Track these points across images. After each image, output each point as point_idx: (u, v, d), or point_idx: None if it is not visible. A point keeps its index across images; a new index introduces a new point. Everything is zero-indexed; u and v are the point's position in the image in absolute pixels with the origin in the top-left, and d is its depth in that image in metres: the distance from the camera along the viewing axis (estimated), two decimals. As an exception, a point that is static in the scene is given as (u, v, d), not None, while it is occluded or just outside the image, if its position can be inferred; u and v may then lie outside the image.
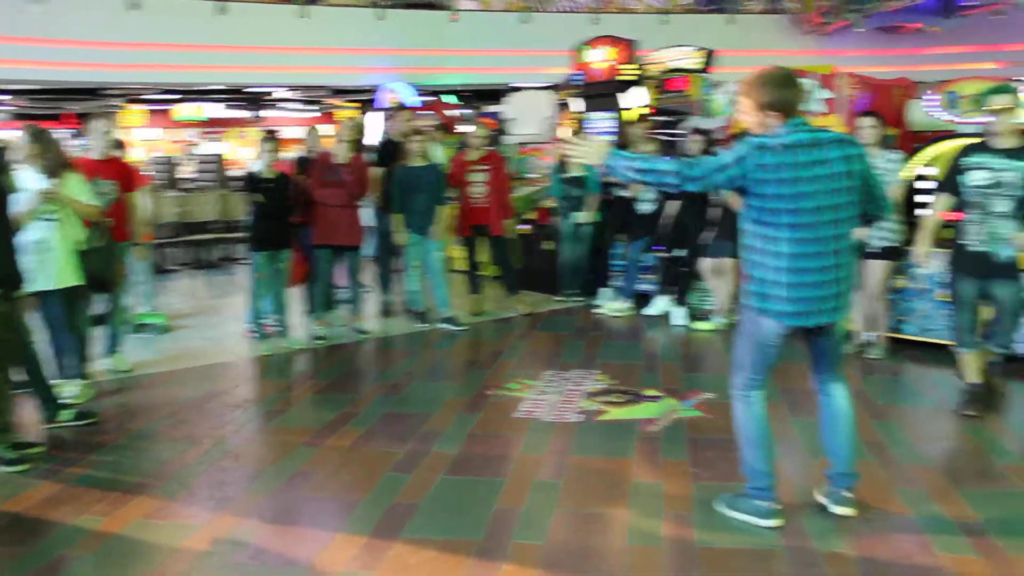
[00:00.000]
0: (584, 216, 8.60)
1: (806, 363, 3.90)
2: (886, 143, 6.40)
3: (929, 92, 7.07)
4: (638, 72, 9.68)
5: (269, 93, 20.22)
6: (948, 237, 5.50)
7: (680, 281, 7.91)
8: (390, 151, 8.04)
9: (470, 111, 17.49)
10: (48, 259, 5.40)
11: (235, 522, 3.94)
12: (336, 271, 7.54)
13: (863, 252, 6.15)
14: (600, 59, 9.99)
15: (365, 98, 19.24)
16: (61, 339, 5.65)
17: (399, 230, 7.69)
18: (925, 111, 7.00)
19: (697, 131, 7.91)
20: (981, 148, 5.10)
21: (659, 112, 9.58)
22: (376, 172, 7.77)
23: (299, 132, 8.26)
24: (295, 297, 7.51)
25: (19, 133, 5.51)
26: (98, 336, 6.53)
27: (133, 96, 20.14)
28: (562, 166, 8.72)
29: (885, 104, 7.12)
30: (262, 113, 22.47)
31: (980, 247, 5.07)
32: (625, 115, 9.44)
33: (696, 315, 7.83)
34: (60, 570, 3.56)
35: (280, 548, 3.70)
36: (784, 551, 3.56)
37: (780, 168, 3.43)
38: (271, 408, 5.80)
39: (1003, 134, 4.99)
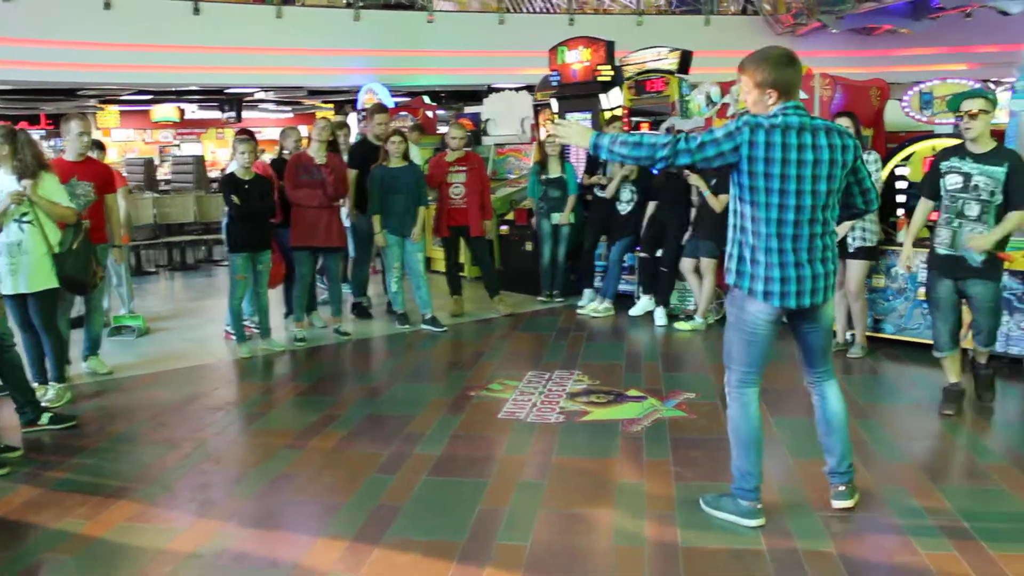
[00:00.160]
0: (562, 217, 8.63)
1: (785, 362, 3.93)
2: (862, 143, 6.46)
3: (908, 93, 7.13)
4: (614, 73, 9.70)
5: (247, 94, 20.09)
6: (924, 237, 5.57)
7: (661, 281, 7.95)
8: (364, 153, 8.04)
9: (448, 112, 17.49)
10: (23, 262, 5.36)
11: (217, 525, 3.93)
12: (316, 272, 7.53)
13: (842, 252, 6.20)
14: (576, 60, 10.01)
15: (342, 99, 19.19)
16: (39, 342, 5.61)
17: (378, 231, 7.68)
18: (903, 111, 7.06)
19: (672, 131, 7.95)
20: (957, 151, 5.15)
21: (636, 113, 9.61)
22: (350, 173, 7.75)
23: (276, 133, 8.21)
24: (275, 299, 7.48)
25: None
26: (76, 339, 6.50)
27: (109, 97, 19.97)
28: (540, 167, 8.74)
29: (860, 105, 7.18)
30: (240, 114, 22.32)
31: (950, 250, 5.13)
32: (603, 116, 9.46)
33: (677, 315, 7.88)
34: (41, 574, 3.54)
35: (263, 551, 3.69)
36: (767, 551, 3.58)
37: (770, 147, 3.47)
38: (252, 410, 5.78)
39: (976, 138, 5.04)
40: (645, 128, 9.11)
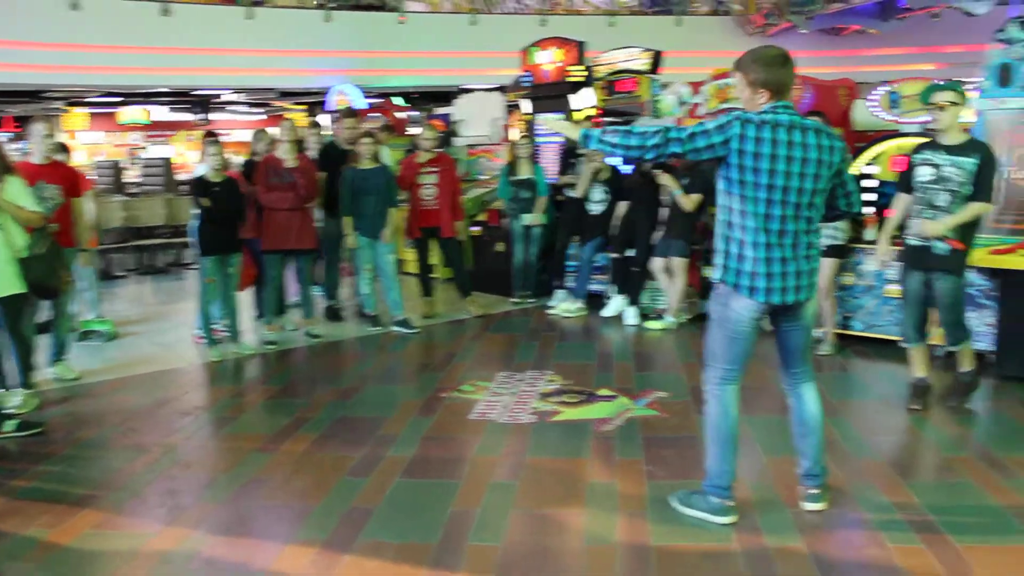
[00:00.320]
0: (532, 218, 8.64)
1: (757, 361, 3.94)
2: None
3: (875, 92, 7.21)
4: (586, 73, 9.73)
5: (216, 95, 19.96)
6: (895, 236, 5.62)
7: (631, 281, 7.98)
8: (333, 156, 8.00)
9: (419, 113, 17.46)
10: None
11: (187, 531, 3.89)
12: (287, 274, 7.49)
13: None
14: (548, 60, 10.03)
15: (313, 100, 19.09)
16: (4, 348, 5.53)
17: (350, 233, 7.65)
18: (870, 111, 7.14)
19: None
20: (930, 145, 5.23)
21: (608, 113, 9.64)
22: (319, 176, 7.71)
23: (247, 135, 8.17)
24: (245, 302, 7.43)
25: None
26: (43, 344, 6.42)
27: (76, 99, 19.76)
28: (510, 168, 8.74)
29: (828, 104, 7.25)
30: (210, 116, 22.18)
31: (919, 241, 5.21)
32: (575, 116, 9.48)
33: (648, 314, 7.90)
34: (7, 584, 3.50)
35: (234, 556, 3.66)
36: (738, 548, 3.60)
37: (760, 142, 3.50)
38: (222, 415, 5.73)
39: (947, 130, 5.12)
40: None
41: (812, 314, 3.87)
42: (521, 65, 10.43)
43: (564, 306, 8.37)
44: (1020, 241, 5.94)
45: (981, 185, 4.98)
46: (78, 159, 13.52)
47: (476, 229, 9.80)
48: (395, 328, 7.78)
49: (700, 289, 7.90)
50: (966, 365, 5.44)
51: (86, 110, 21.97)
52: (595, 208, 8.22)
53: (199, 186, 6.73)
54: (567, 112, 9.60)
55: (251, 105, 22.81)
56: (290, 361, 7.03)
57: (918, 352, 5.44)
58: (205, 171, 6.81)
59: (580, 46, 9.74)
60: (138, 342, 7.67)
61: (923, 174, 5.16)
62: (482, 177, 11.14)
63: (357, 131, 8.10)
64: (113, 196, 12.65)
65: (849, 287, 6.83)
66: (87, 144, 22.62)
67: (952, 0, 15.73)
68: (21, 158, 6.68)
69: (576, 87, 9.64)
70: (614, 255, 8.15)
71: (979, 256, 5.65)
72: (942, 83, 5.28)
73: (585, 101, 9.64)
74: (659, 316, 7.78)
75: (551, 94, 9.89)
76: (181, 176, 14.29)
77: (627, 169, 7.98)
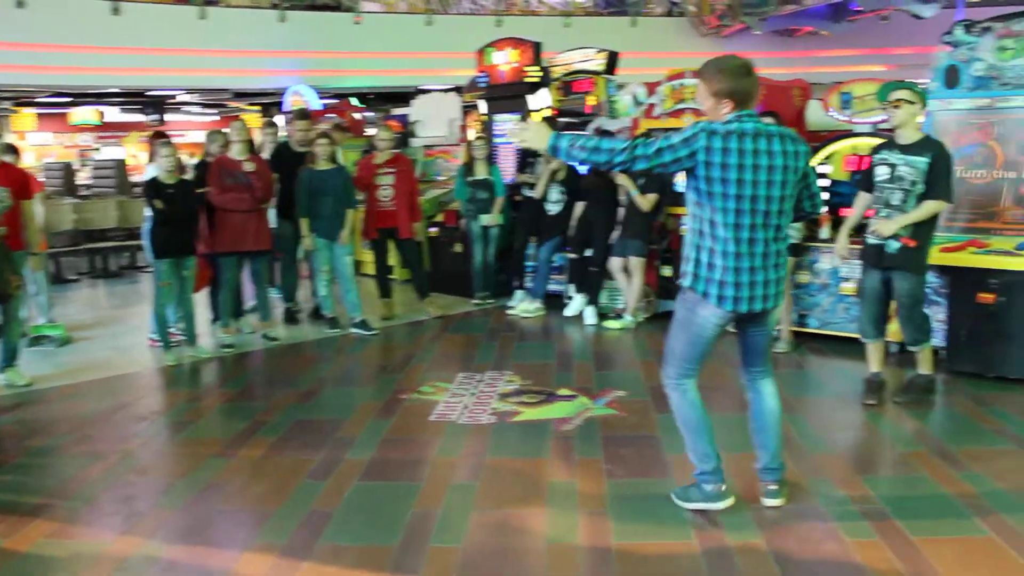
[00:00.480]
0: (490, 218, 8.64)
1: (714, 359, 3.99)
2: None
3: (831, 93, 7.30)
4: (542, 74, 9.75)
5: (170, 96, 19.70)
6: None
7: (590, 281, 8.01)
8: (286, 156, 7.94)
9: (376, 114, 17.37)
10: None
11: (144, 538, 3.84)
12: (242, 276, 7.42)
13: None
14: (504, 61, 10.04)
15: (268, 101, 18.93)
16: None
17: (307, 235, 7.60)
18: (831, 113, 7.21)
19: (600, 131, 8.02)
20: (887, 144, 5.34)
21: (564, 113, 9.67)
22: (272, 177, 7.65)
23: (202, 136, 8.08)
24: (201, 304, 7.34)
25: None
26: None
27: (24, 99, 19.39)
28: (467, 168, 8.73)
29: (782, 104, 7.32)
30: (165, 117, 21.89)
31: (876, 239, 5.30)
32: (532, 116, 9.49)
33: (607, 314, 7.94)
34: (-42, 595, 3.43)
35: (192, 562, 3.63)
36: (698, 545, 3.63)
37: (726, 154, 3.51)
38: (179, 419, 5.65)
39: (902, 129, 5.22)
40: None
41: (776, 319, 3.92)
42: (477, 66, 10.42)
43: (523, 306, 8.38)
44: (970, 239, 6.06)
45: (934, 183, 5.07)
46: (27, 161, 13.27)
47: (434, 230, 9.78)
48: (353, 330, 7.75)
49: (658, 288, 7.97)
50: (924, 368, 5.54)
51: (35, 110, 21.58)
52: (552, 208, 8.25)
53: (152, 188, 6.64)
54: (524, 112, 9.61)
55: (205, 106, 22.55)
56: (247, 364, 6.97)
57: (874, 348, 5.55)
58: (156, 172, 6.72)
59: (536, 47, 9.76)
60: (91, 347, 7.56)
61: (880, 173, 5.27)
62: (439, 178, 11.11)
63: (310, 133, 8.05)
64: (64, 198, 12.45)
65: (804, 285, 6.91)
66: (36, 145, 22.23)
67: (900, 3, 15.99)
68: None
69: (533, 88, 9.65)
70: (572, 255, 8.18)
71: (935, 253, 5.77)
72: (899, 82, 5.38)
73: (541, 102, 9.66)
74: (618, 316, 7.82)
75: (507, 94, 9.89)
76: (134, 178, 14.10)
77: (584, 169, 8.02)
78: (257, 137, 8.39)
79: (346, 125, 12.21)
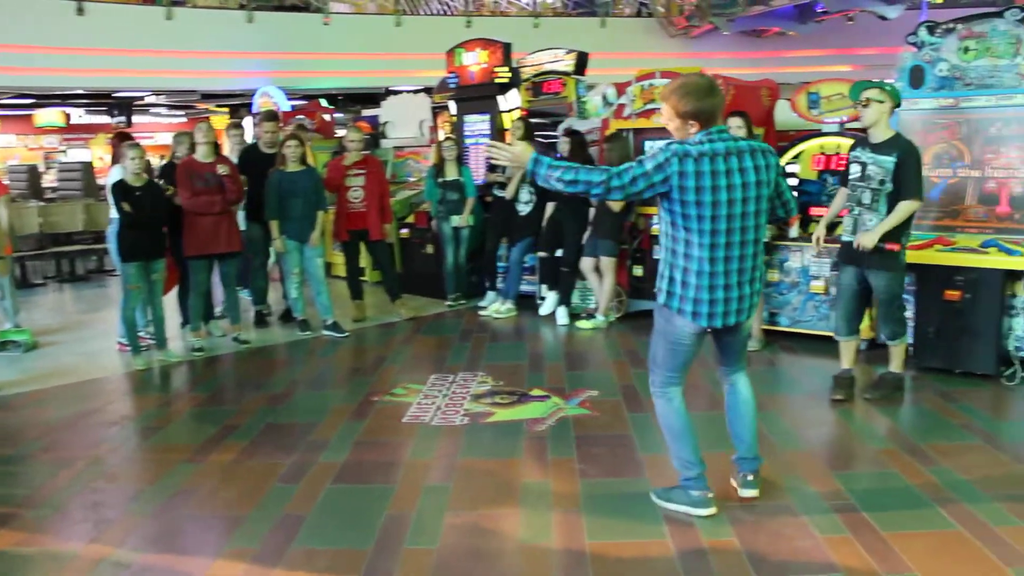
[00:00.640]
0: (461, 220, 8.62)
1: (695, 360, 4.00)
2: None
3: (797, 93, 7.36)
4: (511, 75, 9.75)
5: (137, 98, 19.48)
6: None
7: (562, 281, 8.02)
8: (254, 158, 7.89)
9: (346, 115, 17.30)
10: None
11: (114, 545, 3.79)
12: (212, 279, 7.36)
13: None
14: (474, 62, 10.02)
15: (237, 102, 18.79)
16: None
17: (277, 237, 7.55)
18: (809, 111, 7.26)
19: (569, 132, 8.03)
20: (861, 143, 5.43)
21: (534, 114, 9.67)
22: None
23: (170, 138, 8.00)
24: (170, 308, 7.27)
25: None
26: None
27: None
28: (437, 170, 8.71)
29: (751, 104, 7.37)
30: (132, 119, 21.66)
31: (851, 237, 5.38)
32: (503, 117, 9.49)
33: (579, 314, 7.96)
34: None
35: (163, 569, 3.59)
36: (671, 544, 3.65)
37: (699, 176, 3.51)
38: (148, 425, 5.60)
39: (872, 128, 5.28)
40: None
41: (751, 326, 3.96)
42: (447, 66, 10.40)
43: (495, 307, 8.38)
44: (936, 237, 6.14)
45: (903, 182, 5.14)
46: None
47: (405, 231, 9.76)
48: (325, 332, 7.71)
49: (629, 288, 8.00)
50: (895, 366, 5.60)
51: (-2, 112, 21.32)
52: (523, 209, 8.26)
53: (120, 190, 6.57)
54: (495, 112, 9.60)
55: (173, 108, 22.34)
56: (218, 368, 6.91)
57: (847, 345, 5.63)
58: (121, 174, 6.65)
59: (506, 47, 9.75)
60: (58, 352, 7.47)
61: (853, 171, 5.38)
62: (410, 179, 11.09)
63: (277, 134, 8.01)
64: (30, 201, 12.30)
65: (775, 284, 6.97)
66: (-1, 148, 21.97)
67: (865, 4, 16.15)
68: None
69: (502, 88, 9.65)
70: (542, 255, 8.18)
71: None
72: (869, 81, 5.45)
73: (511, 102, 9.66)
74: (589, 315, 7.84)
75: (477, 95, 9.88)
76: (102, 180, 13.94)
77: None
78: (224, 139, 8.32)
79: (316, 127, 12.17)
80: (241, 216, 7.69)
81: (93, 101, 20.46)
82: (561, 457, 4.67)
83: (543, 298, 8.33)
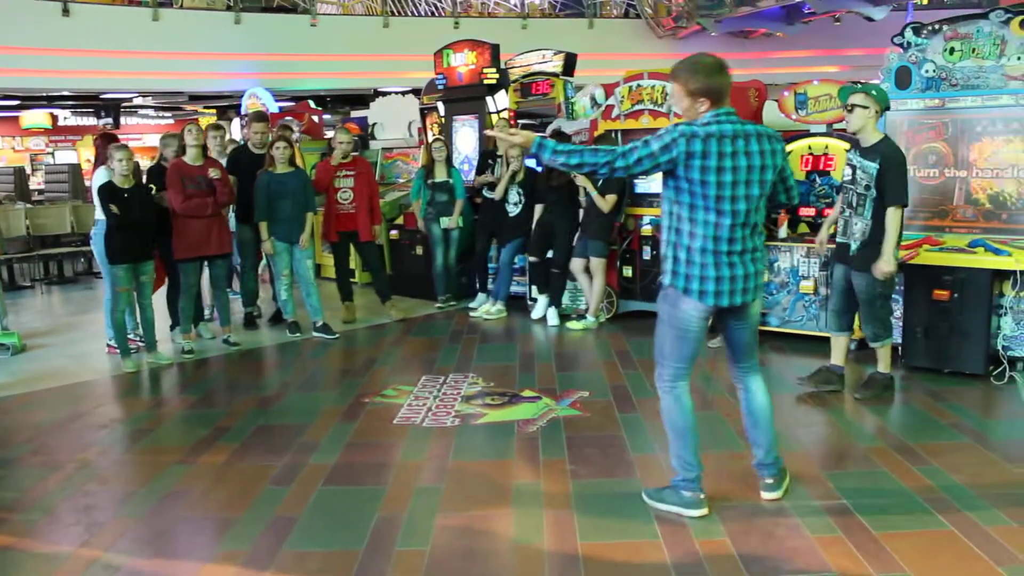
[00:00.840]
0: (450, 221, 8.63)
1: (700, 358, 4.00)
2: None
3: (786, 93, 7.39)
4: (500, 76, 9.76)
5: (124, 99, 19.40)
6: (804, 233, 5.81)
7: (552, 282, 8.03)
8: (244, 160, 7.88)
9: (334, 117, 17.27)
10: None
11: (105, 548, 3.78)
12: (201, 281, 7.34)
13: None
14: (462, 63, 10.03)
15: (225, 104, 18.74)
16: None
17: (266, 239, 7.54)
18: (796, 111, 7.28)
19: (556, 133, 8.05)
20: (856, 146, 5.49)
21: (522, 115, 9.68)
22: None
23: (157, 140, 7.97)
24: (160, 310, 7.25)
25: None
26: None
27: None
28: (426, 171, 8.71)
29: (739, 105, 7.37)
30: (119, 120, 21.58)
31: (841, 238, 5.47)
32: (491, 118, 9.50)
33: (569, 315, 7.97)
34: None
35: (155, 572, 3.58)
36: (664, 545, 3.66)
37: (707, 156, 3.53)
38: (139, 427, 5.57)
39: (859, 132, 5.33)
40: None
41: (758, 313, 3.97)
42: (435, 68, 10.41)
43: (485, 308, 8.38)
44: (924, 237, 6.18)
45: (886, 188, 5.17)
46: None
47: (395, 233, 9.76)
48: (315, 334, 7.70)
49: (619, 288, 8.01)
50: (881, 366, 5.64)
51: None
52: (513, 210, 8.26)
53: (107, 192, 6.54)
54: (483, 113, 9.61)
55: (161, 109, 22.27)
56: (208, 370, 6.89)
57: (837, 341, 5.72)
58: (106, 176, 6.62)
59: (494, 48, 9.76)
60: (48, 354, 7.44)
61: (846, 174, 5.48)
62: (399, 180, 11.09)
63: (267, 135, 8.00)
64: (17, 203, 12.25)
65: (764, 284, 6.98)
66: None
67: (852, 5, 16.22)
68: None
69: (491, 89, 9.66)
70: (531, 258, 8.19)
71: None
72: (857, 85, 5.49)
73: (500, 103, 9.67)
74: (579, 316, 7.86)
75: (466, 96, 9.89)
76: (89, 182, 13.90)
77: (538, 170, 8.04)
78: (207, 140, 8.30)
79: (304, 128, 12.15)
80: (231, 218, 7.67)
81: (79, 103, 20.37)
82: (552, 458, 4.68)
83: (534, 299, 8.34)
